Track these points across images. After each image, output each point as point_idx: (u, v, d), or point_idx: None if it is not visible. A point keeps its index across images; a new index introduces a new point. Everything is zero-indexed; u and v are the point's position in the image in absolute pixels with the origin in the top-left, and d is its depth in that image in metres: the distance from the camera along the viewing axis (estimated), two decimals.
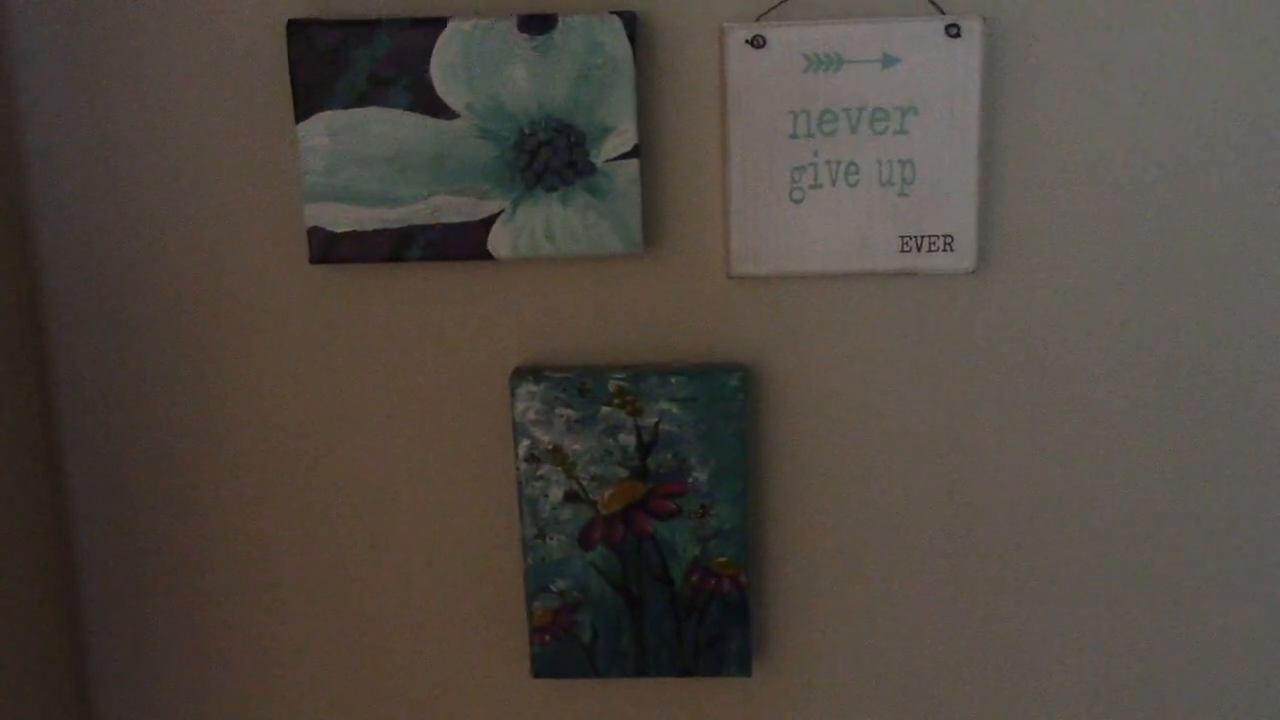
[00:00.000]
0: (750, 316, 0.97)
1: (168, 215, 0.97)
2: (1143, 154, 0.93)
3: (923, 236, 0.93)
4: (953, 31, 0.90)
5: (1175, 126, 0.92)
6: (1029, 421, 0.98)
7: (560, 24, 0.90)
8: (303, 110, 0.92)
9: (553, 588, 0.99)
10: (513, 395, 0.96)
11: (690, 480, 0.97)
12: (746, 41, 0.91)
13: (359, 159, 0.93)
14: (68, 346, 1.00)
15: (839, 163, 0.92)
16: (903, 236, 0.93)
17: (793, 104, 0.91)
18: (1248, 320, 0.95)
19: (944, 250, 0.93)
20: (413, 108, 0.92)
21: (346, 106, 0.92)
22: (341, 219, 0.94)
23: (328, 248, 0.94)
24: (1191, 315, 0.96)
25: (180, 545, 1.03)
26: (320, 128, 0.92)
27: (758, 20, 0.92)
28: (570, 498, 0.98)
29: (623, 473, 0.97)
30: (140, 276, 0.99)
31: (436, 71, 0.91)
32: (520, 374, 0.96)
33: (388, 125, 0.92)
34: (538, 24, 0.91)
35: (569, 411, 0.96)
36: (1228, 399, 0.97)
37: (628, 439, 0.97)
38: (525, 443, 0.97)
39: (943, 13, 0.91)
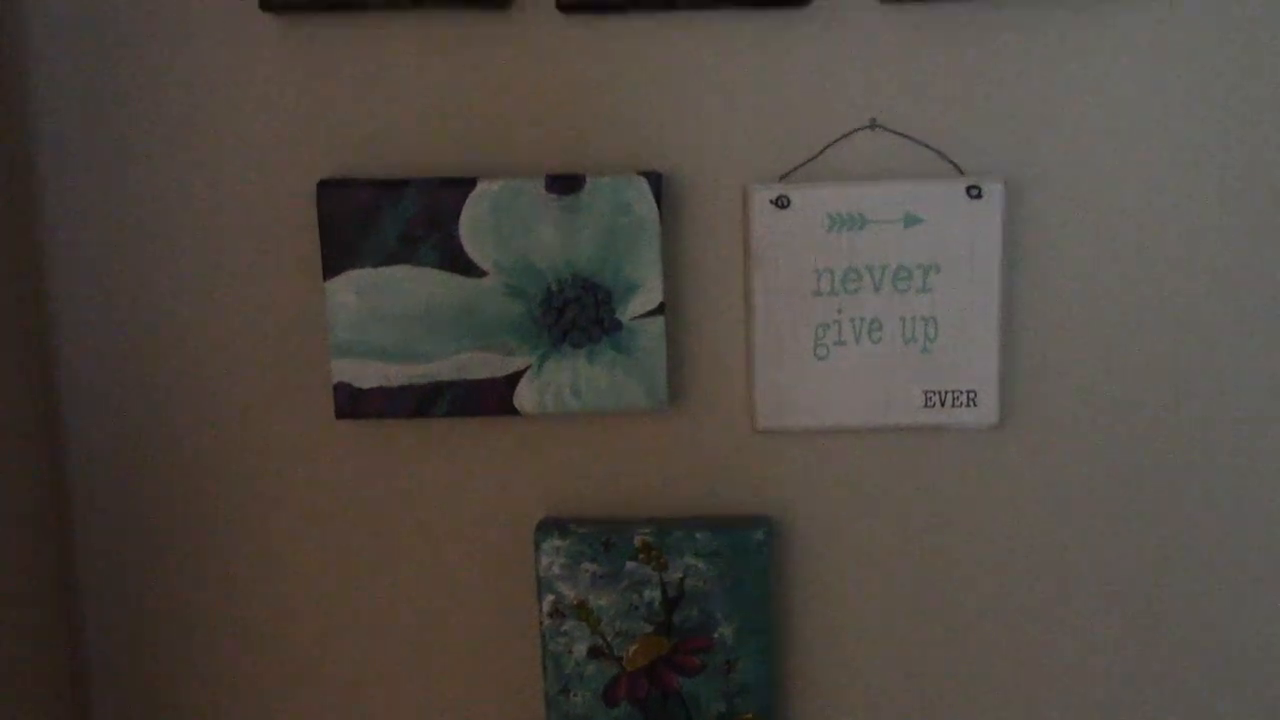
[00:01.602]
0: (775, 471, 0.97)
1: (196, 370, 0.98)
2: (1159, 310, 0.94)
3: (946, 392, 0.94)
4: (974, 193, 0.91)
5: (1189, 284, 0.94)
6: (1052, 575, 0.98)
7: (588, 184, 0.92)
8: (331, 268, 0.93)
9: None
10: (537, 550, 0.96)
11: (716, 635, 0.96)
12: (771, 202, 0.92)
13: (387, 316, 0.93)
14: (89, 507, 1.00)
15: (863, 320, 0.93)
16: (926, 392, 0.94)
17: (817, 262, 0.93)
18: (1271, 469, 0.96)
19: (967, 405, 0.94)
20: (441, 265, 0.93)
21: (376, 265, 0.93)
22: (368, 375, 0.94)
23: (354, 403, 0.95)
24: (1212, 467, 0.96)
25: (203, 702, 1.02)
26: (349, 286, 0.93)
27: (781, 180, 0.93)
28: (595, 653, 0.97)
29: (648, 628, 0.97)
30: (167, 432, 0.99)
31: (465, 230, 0.93)
32: (545, 528, 0.96)
33: (416, 283, 0.93)
34: (565, 184, 0.92)
35: (594, 566, 0.96)
36: (1253, 548, 0.97)
37: (653, 594, 0.96)
38: (550, 597, 0.97)
39: (963, 174, 0.93)
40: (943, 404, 0.94)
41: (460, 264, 0.93)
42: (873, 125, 0.93)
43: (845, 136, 0.93)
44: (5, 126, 0.94)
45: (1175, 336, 0.95)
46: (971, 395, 0.94)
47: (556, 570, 0.96)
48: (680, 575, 0.96)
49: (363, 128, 0.94)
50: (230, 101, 0.94)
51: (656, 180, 0.92)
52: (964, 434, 0.96)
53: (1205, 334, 0.95)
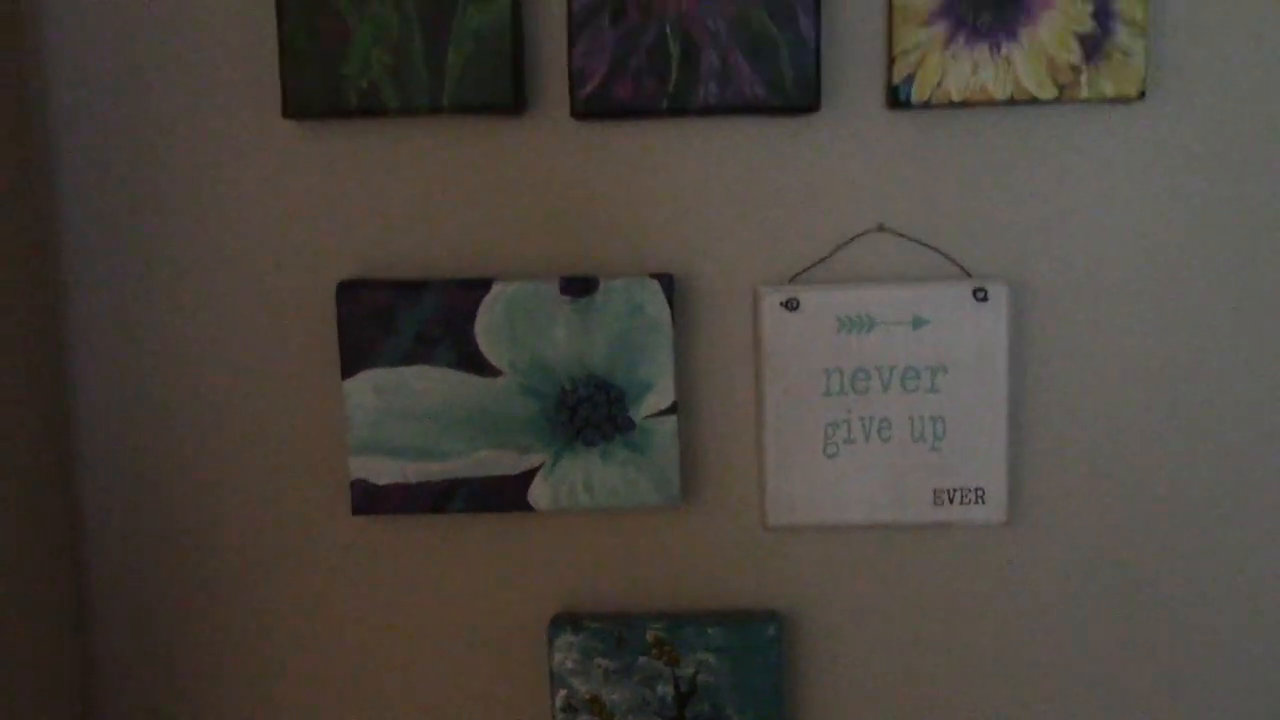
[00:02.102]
0: (786, 567, 0.98)
1: (217, 465, 0.99)
2: (1164, 410, 0.95)
3: (955, 489, 0.95)
4: (980, 295, 0.93)
5: (1189, 386, 0.95)
6: (1061, 671, 0.98)
7: (601, 287, 0.94)
8: (350, 367, 0.95)
9: None
10: (550, 645, 0.97)
11: None
12: (781, 304, 0.94)
13: (404, 414, 0.95)
14: (109, 601, 1.01)
15: (872, 419, 0.95)
16: (935, 489, 0.95)
17: (826, 363, 0.94)
18: (1272, 567, 0.97)
19: (976, 503, 0.95)
20: (457, 365, 0.95)
21: (393, 365, 0.95)
22: (385, 472, 0.96)
23: (371, 499, 0.96)
24: (1219, 565, 0.97)
25: None
26: (367, 385, 0.95)
27: (791, 282, 0.95)
28: None
29: None
30: (186, 527, 1.00)
31: (481, 331, 0.95)
32: (558, 623, 0.97)
33: (433, 382, 0.95)
34: (579, 286, 0.94)
35: (606, 661, 0.97)
36: (1263, 645, 0.97)
37: (665, 689, 0.97)
38: (563, 692, 0.97)
39: (969, 276, 0.94)
40: (951, 501, 0.95)
41: (476, 364, 0.95)
42: (880, 228, 0.95)
43: (854, 239, 0.95)
44: (31, 228, 0.96)
45: (1180, 435, 0.96)
46: (980, 492, 0.95)
47: (570, 665, 0.97)
48: (692, 670, 0.97)
49: (382, 230, 0.96)
50: (253, 204, 0.96)
51: (669, 282, 0.94)
52: (973, 531, 0.98)
53: (1211, 432, 0.96)
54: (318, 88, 0.93)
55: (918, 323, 0.94)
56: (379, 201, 0.96)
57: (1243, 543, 0.97)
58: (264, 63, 0.95)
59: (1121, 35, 0.89)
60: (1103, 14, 0.89)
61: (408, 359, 0.95)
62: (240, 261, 0.97)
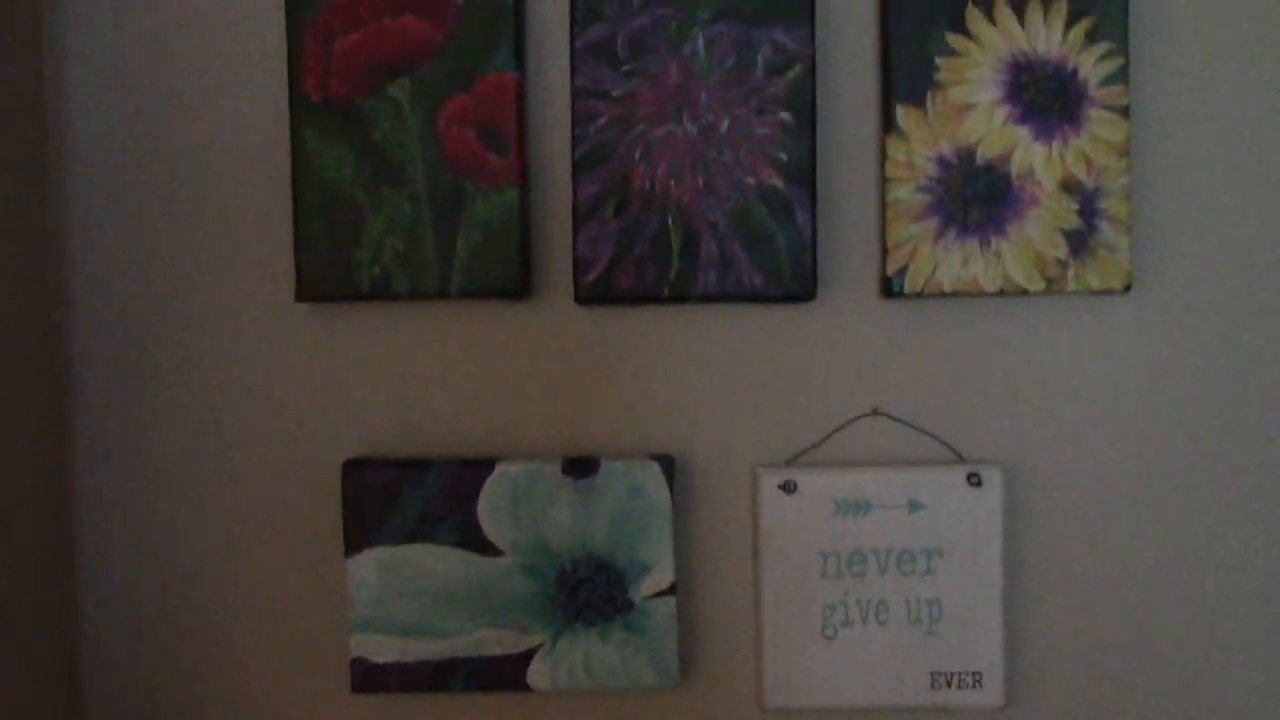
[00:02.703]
0: None
1: (217, 639, 1.00)
2: (1161, 592, 0.97)
3: (952, 673, 0.96)
4: (974, 480, 0.95)
5: (1181, 567, 0.96)
6: None
7: (602, 468, 0.95)
8: (354, 545, 0.96)
9: None
10: None
11: None
12: (779, 487, 0.96)
13: (406, 593, 0.96)
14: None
15: (869, 602, 0.96)
16: (932, 673, 0.96)
17: (823, 545, 0.96)
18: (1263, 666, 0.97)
19: (973, 687, 0.96)
20: (460, 545, 0.96)
21: (396, 543, 0.96)
22: (386, 650, 0.96)
23: (371, 678, 0.96)
24: (1215, 686, 0.97)
25: None
26: (369, 563, 0.96)
27: (788, 464, 0.97)
28: None
29: None
30: (186, 701, 1.00)
31: (484, 511, 0.96)
32: None
33: (435, 561, 0.96)
34: (581, 468, 0.96)
35: None
36: None
37: None
38: None
39: (964, 460, 0.96)
40: (949, 685, 0.96)
41: (478, 544, 0.96)
42: (875, 413, 0.97)
43: (850, 423, 0.97)
44: (44, 406, 0.98)
45: (1176, 618, 0.97)
46: (977, 676, 0.96)
47: None
48: None
49: (389, 409, 0.99)
50: (265, 383, 0.99)
51: (669, 464, 0.95)
52: (970, 715, 0.98)
53: (1206, 614, 0.97)
54: (331, 272, 0.96)
55: (914, 507, 0.95)
56: (387, 382, 0.98)
57: (1231, 657, 0.97)
58: (280, 248, 0.98)
59: (1106, 232, 0.93)
60: (1088, 212, 0.93)
61: (411, 537, 0.96)
62: (251, 438, 0.99)
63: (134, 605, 1.00)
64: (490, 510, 0.96)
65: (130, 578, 1.00)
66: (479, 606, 0.96)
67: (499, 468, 0.96)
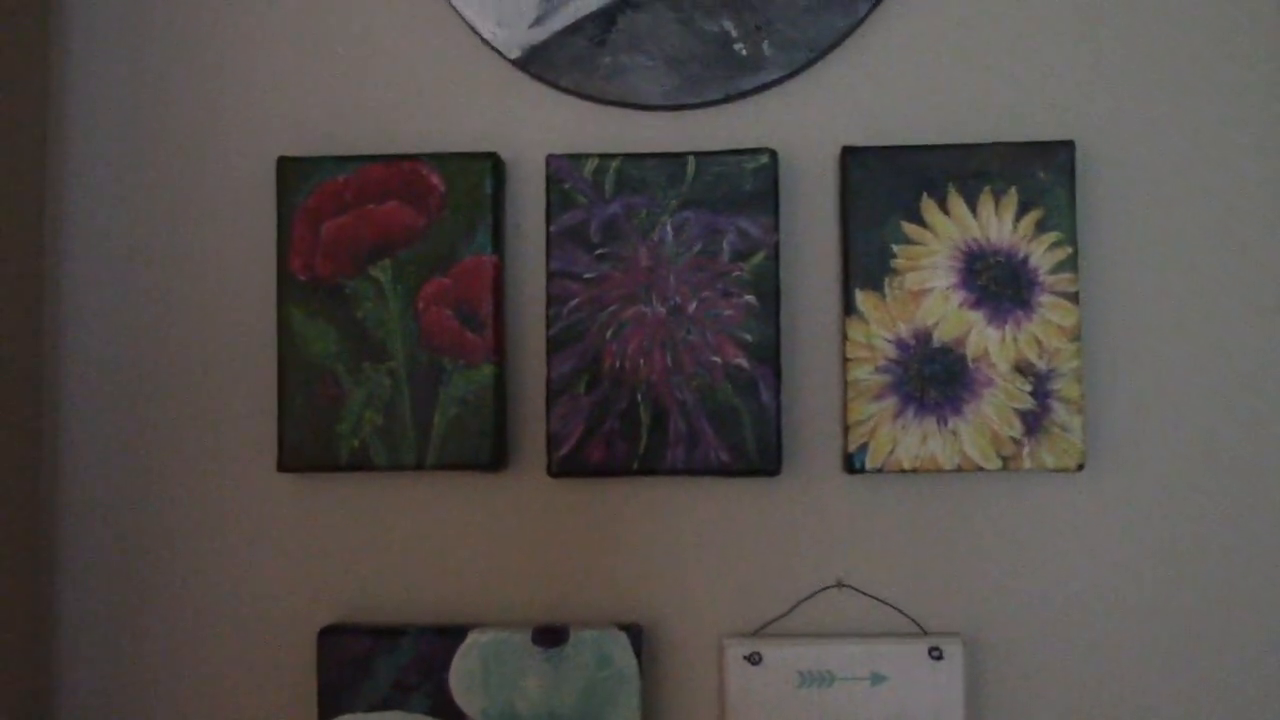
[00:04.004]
0: None
1: None
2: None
3: None
4: (935, 654, 0.97)
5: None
6: None
7: (571, 638, 0.98)
8: (327, 712, 0.98)
9: None
10: None
11: None
12: (744, 658, 0.98)
13: None
14: None
15: None
16: None
17: (788, 717, 0.97)
18: None
19: None
20: (431, 713, 0.98)
21: (369, 709, 0.98)
22: None
23: None
24: None
25: None
26: None
27: (754, 634, 0.99)
28: None
29: None
30: None
31: (455, 679, 0.98)
32: None
33: None
34: (551, 637, 0.98)
35: None
36: None
37: None
38: None
39: (926, 633, 0.99)
40: None
41: (449, 712, 0.98)
42: (839, 585, 1.00)
43: (813, 595, 0.99)
44: (29, 547, 1.01)
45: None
46: None
47: None
48: None
49: (365, 578, 1.01)
50: (243, 550, 1.02)
51: (636, 634, 0.98)
52: None
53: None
54: (312, 444, 0.99)
55: (876, 679, 0.97)
56: (364, 550, 1.01)
57: None
58: (264, 419, 1.02)
59: (1059, 412, 0.96)
60: (1041, 393, 0.97)
61: (384, 705, 0.98)
62: (230, 603, 1.02)
63: None
64: (461, 679, 0.98)
65: None
66: None
67: (470, 636, 0.98)
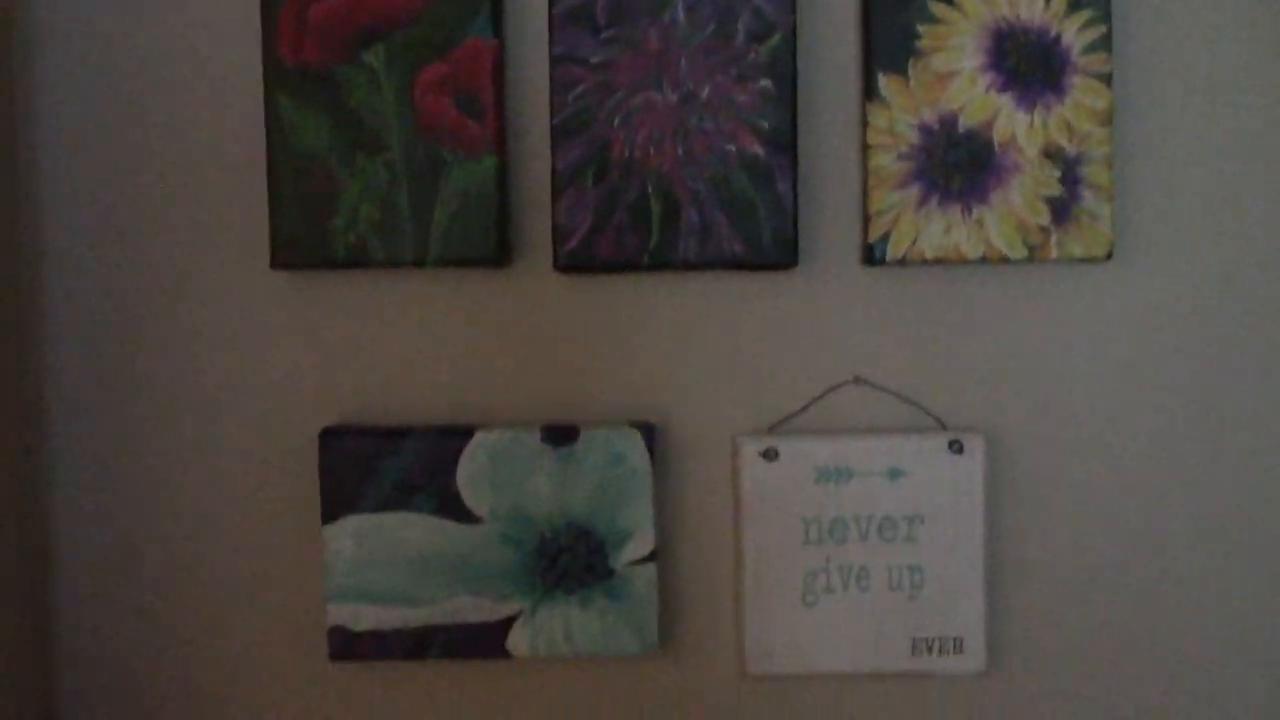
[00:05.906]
0: (765, 715, 0.98)
1: (193, 609, 0.99)
2: (1141, 556, 0.97)
3: (933, 638, 0.96)
4: (955, 447, 0.95)
5: (1170, 530, 0.97)
6: None
7: (582, 436, 0.95)
8: (331, 514, 0.95)
9: None
10: None
11: None
12: (760, 454, 0.95)
13: (383, 561, 0.95)
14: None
15: (850, 568, 0.96)
16: (914, 639, 0.96)
17: (804, 512, 0.95)
18: (1256, 702, 0.97)
19: (954, 652, 0.96)
20: (438, 513, 0.96)
21: (374, 510, 0.95)
22: (363, 618, 0.96)
23: (348, 646, 0.96)
24: (1198, 712, 0.98)
25: None
26: (346, 531, 0.95)
27: (770, 432, 0.97)
28: None
29: None
30: (163, 671, 1.00)
31: (462, 479, 0.95)
32: None
33: (413, 529, 0.95)
34: (560, 435, 0.95)
35: None
36: None
37: None
38: None
39: (945, 428, 0.96)
40: (930, 651, 0.96)
41: (456, 512, 0.95)
42: (857, 381, 0.97)
43: (830, 391, 0.97)
44: (12, 369, 0.97)
45: (1158, 580, 0.97)
46: (958, 642, 0.96)
47: None
48: None
49: (366, 378, 0.98)
50: (239, 352, 0.98)
51: (649, 432, 0.95)
52: (951, 680, 0.98)
53: (1187, 577, 0.97)
54: (306, 240, 0.95)
55: (894, 474, 0.95)
56: (364, 350, 0.98)
57: (1227, 686, 0.97)
58: (254, 215, 0.97)
59: (1089, 200, 0.93)
60: (1070, 179, 0.93)
61: (388, 506, 0.96)
62: (224, 407, 0.98)
63: (109, 572, 0.99)
64: (469, 479, 0.95)
65: (106, 545, 0.99)
66: (457, 574, 0.96)
67: (477, 436, 0.95)
